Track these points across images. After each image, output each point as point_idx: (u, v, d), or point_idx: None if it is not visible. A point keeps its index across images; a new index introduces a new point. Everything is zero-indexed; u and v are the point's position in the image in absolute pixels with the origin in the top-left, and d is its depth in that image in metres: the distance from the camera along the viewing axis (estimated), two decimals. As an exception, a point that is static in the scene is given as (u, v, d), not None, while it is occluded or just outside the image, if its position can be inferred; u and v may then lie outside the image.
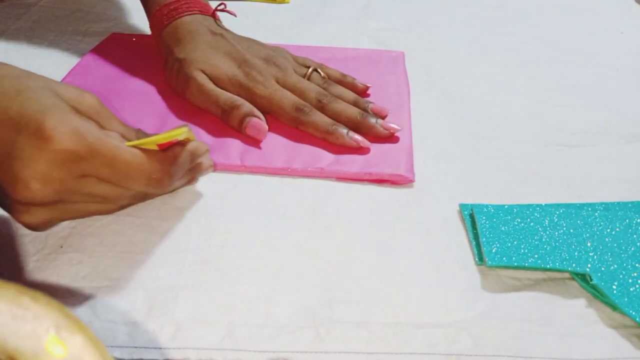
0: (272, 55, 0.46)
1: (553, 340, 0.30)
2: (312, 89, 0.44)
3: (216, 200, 0.37)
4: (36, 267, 0.32)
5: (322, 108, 0.43)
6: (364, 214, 0.37)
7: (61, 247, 0.33)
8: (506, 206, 0.36)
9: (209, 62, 0.44)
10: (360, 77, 0.50)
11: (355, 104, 0.44)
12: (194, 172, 0.36)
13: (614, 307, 0.31)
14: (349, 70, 0.51)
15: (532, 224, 0.35)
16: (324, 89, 0.45)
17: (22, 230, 0.34)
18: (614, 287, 0.31)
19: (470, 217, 0.36)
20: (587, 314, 0.31)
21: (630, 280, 0.32)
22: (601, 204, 0.38)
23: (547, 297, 0.32)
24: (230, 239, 0.35)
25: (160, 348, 0.28)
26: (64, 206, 0.31)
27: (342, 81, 0.47)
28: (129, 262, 0.33)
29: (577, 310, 0.31)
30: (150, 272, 0.32)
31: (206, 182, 0.39)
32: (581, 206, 0.37)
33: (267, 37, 0.56)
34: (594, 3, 0.69)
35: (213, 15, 0.48)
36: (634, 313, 0.30)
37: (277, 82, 0.44)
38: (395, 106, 0.46)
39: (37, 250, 0.33)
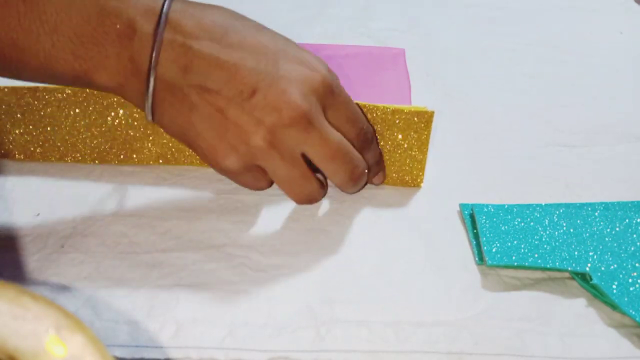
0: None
1: (553, 339, 0.30)
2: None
3: (216, 199, 0.37)
4: (37, 267, 0.32)
5: None
6: (364, 213, 0.37)
7: (62, 247, 0.33)
8: (506, 206, 0.36)
9: None
10: (361, 74, 0.50)
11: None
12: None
13: (613, 307, 0.31)
14: (350, 67, 0.51)
15: (532, 223, 0.35)
16: None
17: (23, 230, 0.34)
18: (614, 286, 0.31)
19: (470, 216, 0.36)
20: (587, 314, 0.31)
21: (630, 280, 0.32)
22: (601, 203, 0.38)
23: (547, 296, 0.32)
24: (230, 238, 0.35)
25: (162, 347, 0.28)
26: (274, 155, 0.33)
27: None
28: (130, 261, 0.33)
29: (577, 309, 0.31)
30: (151, 272, 0.32)
31: (206, 182, 0.39)
32: (581, 206, 0.37)
33: (268, 37, 0.56)
34: (594, 3, 0.69)
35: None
36: (633, 312, 0.30)
37: None
38: (397, 102, 0.47)
39: (38, 249, 0.33)
